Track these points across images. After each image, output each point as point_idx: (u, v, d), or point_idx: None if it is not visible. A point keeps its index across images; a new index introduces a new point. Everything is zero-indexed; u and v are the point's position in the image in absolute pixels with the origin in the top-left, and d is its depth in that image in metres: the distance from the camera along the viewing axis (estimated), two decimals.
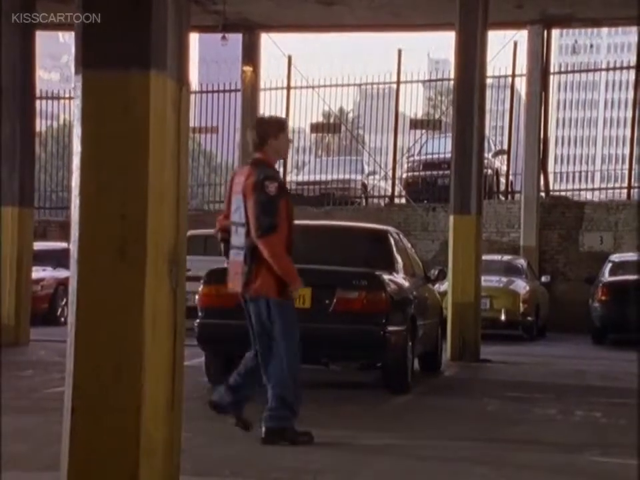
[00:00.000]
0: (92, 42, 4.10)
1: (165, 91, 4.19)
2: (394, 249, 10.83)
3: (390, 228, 11.66)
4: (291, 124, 24.92)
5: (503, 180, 24.57)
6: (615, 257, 19.45)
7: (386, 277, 9.97)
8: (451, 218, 14.32)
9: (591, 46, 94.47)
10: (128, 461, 4.07)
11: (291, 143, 7.37)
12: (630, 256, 19.52)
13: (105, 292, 4.12)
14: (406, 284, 10.63)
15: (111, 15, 4.11)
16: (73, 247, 4.15)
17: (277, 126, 7.34)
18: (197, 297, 10.03)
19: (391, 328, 9.71)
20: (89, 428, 4.08)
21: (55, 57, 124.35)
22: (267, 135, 7.27)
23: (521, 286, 18.71)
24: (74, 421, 4.08)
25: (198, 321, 9.91)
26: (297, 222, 7.64)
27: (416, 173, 23.90)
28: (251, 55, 23.36)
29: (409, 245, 12.27)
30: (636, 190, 23.69)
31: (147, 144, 4.12)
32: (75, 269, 4.14)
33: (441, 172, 22.39)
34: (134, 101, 4.11)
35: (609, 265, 18.92)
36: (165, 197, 4.22)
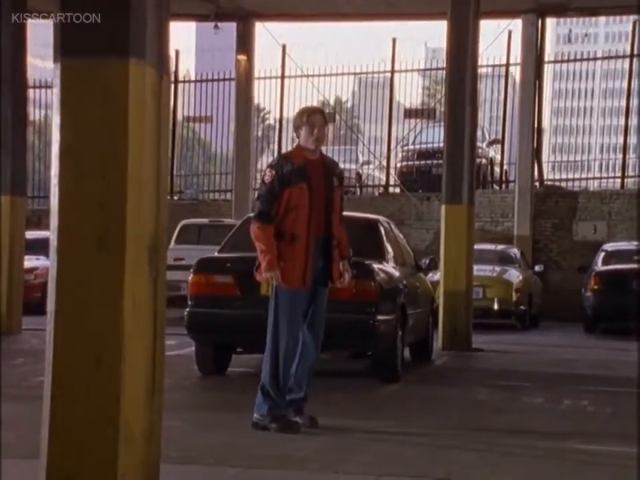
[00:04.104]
0: (70, 30, 4.11)
1: (145, 80, 4.19)
2: (384, 238, 10.85)
3: (380, 217, 11.67)
4: (285, 114, 24.90)
5: (497, 169, 24.59)
6: (608, 246, 19.47)
7: (376, 266, 9.98)
8: (443, 207, 14.33)
9: (586, 35, 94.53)
10: (107, 449, 4.08)
11: (316, 131, 7.30)
12: (623, 245, 19.56)
13: (84, 281, 4.12)
14: (396, 273, 10.65)
15: (90, 3, 4.11)
16: (52, 236, 4.15)
17: (298, 119, 7.42)
18: None
19: (380, 317, 9.73)
20: (68, 416, 4.09)
21: (50, 46, 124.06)
22: (295, 128, 7.45)
23: (514, 275, 18.74)
24: (53, 409, 4.09)
25: (187, 309, 9.93)
26: None
27: (410, 162, 23.91)
28: (245, 43, 23.33)
29: (400, 235, 12.29)
30: (629, 179, 23.70)
31: (126, 133, 4.13)
32: (54, 258, 4.14)
33: (435, 161, 22.38)
34: (113, 90, 4.11)
35: (602, 254, 18.94)
36: (144, 186, 4.22)
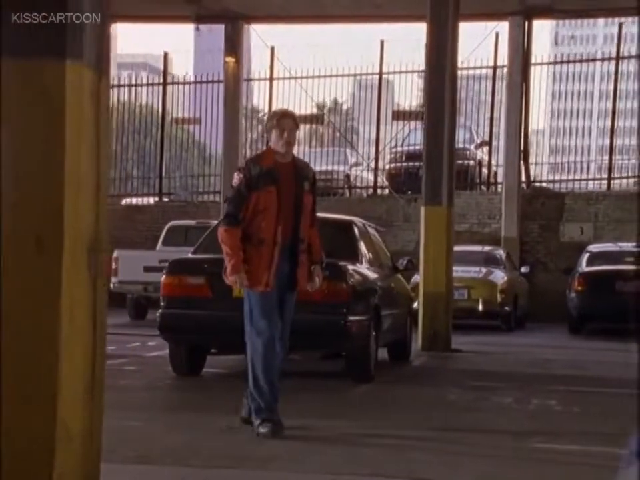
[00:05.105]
0: (5, 30, 4.13)
1: (82, 82, 4.21)
2: (358, 240, 10.88)
3: (355, 218, 11.69)
4: None
5: (486, 171, 24.63)
6: (593, 247, 19.52)
7: (348, 267, 10.01)
8: (422, 209, 14.38)
9: (572, 37, 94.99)
10: (44, 448, 4.10)
11: (285, 135, 7.26)
12: (607, 246, 19.63)
13: (21, 282, 4.14)
14: (369, 274, 10.68)
15: (26, 3, 4.14)
16: None
17: (269, 122, 7.47)
18: None
19: (352, 318, 9.76)
20: (5, 416, 4.11)
21: None
22: (266, 130, 7.51)
23: (499, 276, 18.77)
24: None
25: (160, 310, 9.96)
26: None
27: (398, 164, 23.97)
28: (233, 45, 23.39)
29: (377, 235, 12.32)
30: (616, 181, 23.75)
31: (62, 135, 4.15)
32: None
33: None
34: (49, 91, 4.13)
35: (586, 255, 18.99)
36: (82, 187, 4.24)
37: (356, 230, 10.97)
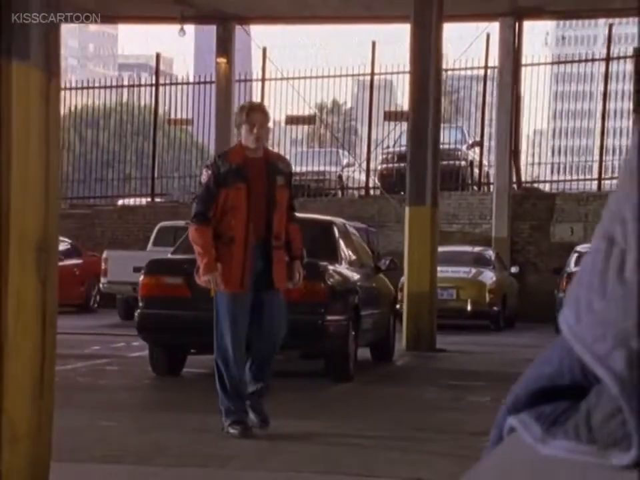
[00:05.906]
0: None
1: (29, 83, 4.24)
2: (338, 240, 10.89)
3: (336, 219, 11.71)
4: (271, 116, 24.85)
5: (478, 171, 24.65)
6: (582, 248, 19.50)
7: (327, 267, 10.03)
8: (407, 209, 14.39)
9: (563, 38, 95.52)
10: None
11: (255, 130, 7.11)
12: None
13: None
14: (349, 274, 10.70)
15: None
16: None
17: (238, 116, 7.37)
18: None
19: (330, 317, 9.78)
20: None
21: None
22: (236, 125, 7.40)
23: (488, 277, 18.79)
24: None
25: (138, 311, 9.98)
26: None
27: (390, 165, 23.99)
28: (225, 46, 23.40)
29: (358, 236, 12.34)
30: (606, 182, 23.76)
31: (9, 135, 4.17)
32: None
33: None
34: None
35: (575, 255, 19.00)
36: (30, 188, 4.27)
37: (336, 230, 10.99)
